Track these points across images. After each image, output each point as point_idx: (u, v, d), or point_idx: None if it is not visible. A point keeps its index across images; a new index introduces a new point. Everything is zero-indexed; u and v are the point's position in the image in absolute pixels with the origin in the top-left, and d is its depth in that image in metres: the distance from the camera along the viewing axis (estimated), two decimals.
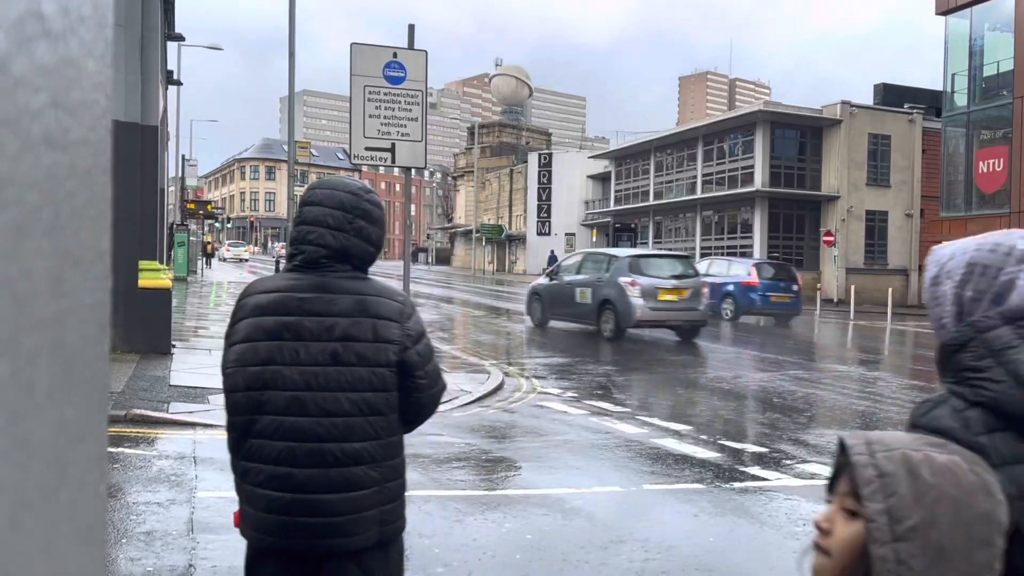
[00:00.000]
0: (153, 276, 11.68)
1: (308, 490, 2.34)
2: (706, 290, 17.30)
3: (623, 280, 16.13)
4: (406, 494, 2.54)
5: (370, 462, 2.39)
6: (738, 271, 22.91)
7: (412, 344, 2.45)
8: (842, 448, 1.22)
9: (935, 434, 1.29)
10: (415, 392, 2.47)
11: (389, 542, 2.47)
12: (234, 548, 5.03)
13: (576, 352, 14.98)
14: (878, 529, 1.09)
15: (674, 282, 16.42)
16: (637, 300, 15.89)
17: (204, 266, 38.91)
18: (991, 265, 1.38)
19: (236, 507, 2.48)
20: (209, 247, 50.08)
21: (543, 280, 19.42)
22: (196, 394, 8.86)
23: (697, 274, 17.57)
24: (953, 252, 1.48)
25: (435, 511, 5.72)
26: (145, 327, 11.22)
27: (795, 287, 22.67)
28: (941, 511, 1.08)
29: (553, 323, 18.54)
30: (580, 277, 17.57)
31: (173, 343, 11.90)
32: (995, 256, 1.39)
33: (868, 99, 40.05)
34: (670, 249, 42.81)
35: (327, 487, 2.35)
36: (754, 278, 22.25)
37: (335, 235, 2.40)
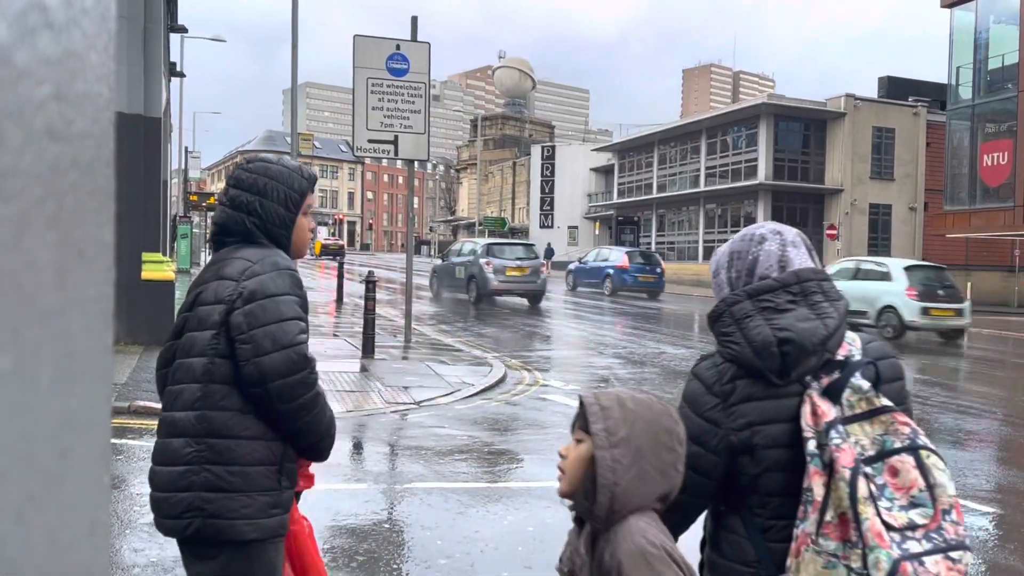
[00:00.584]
0: (156, 268, 11.69)
1: (153, 461, 2.27)
2: (545, 269, 23.59)
3: (482, 261, 21.52)
4: (258, 495, 2.16)
5: (191, 436, 2.17)
6: (615, 257, 28.77)
7: (242, 304, 2.16)
8: (580, 402, 1.71)
9: (700, 380, 1.82)
10: (241, 362, 2.15)
11: (218, 543, 2.11)
12: None
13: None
14: (600, 439, 1.63)
15: (518, 262, 21.66)
16: (491, 275, 21.28)
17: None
18: (743, 251, 1.86)
19: None
20: None
21: (437, 261, 25.91)
22: None
23: (536, 257, 22.72)
24: (723, 248, 1.95)
25: (437, 503, 5.74)
26: (148, 319, 11.24)
27: (659, 270, 28.61)
28: (640, 427, 1.64)
29: (445, 294, 23.43)
30: (458, 259, 22.89)
31: None
32: (745, 243, 1.88)
33: (873, 92, 39.96)
34: (672, 243, 42.75)
35: (155, 457, 2.25)
36: (625, 263, 27.87)
37: (219, 210, 2.37)
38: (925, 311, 15.80)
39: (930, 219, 35.44)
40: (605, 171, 54.67)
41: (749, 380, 1.75)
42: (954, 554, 1.59)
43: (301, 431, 2.25)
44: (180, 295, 16.51)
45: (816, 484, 1.63)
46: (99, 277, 0.49)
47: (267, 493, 2.17)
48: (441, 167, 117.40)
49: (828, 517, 1.62)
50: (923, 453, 1.66)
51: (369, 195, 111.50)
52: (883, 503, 1.60)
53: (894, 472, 1.63)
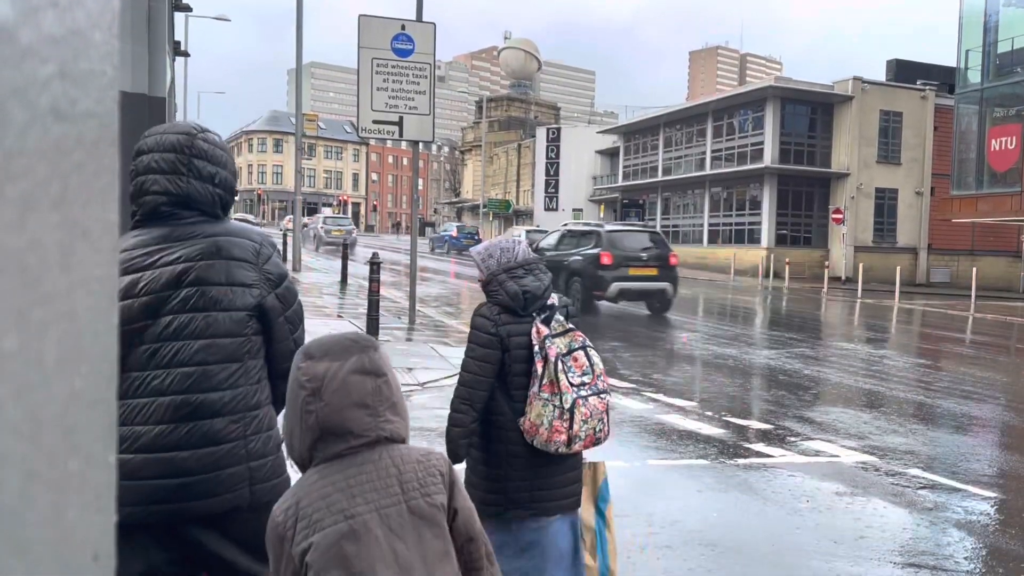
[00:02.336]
0: None
1: (159, 448, 2.14)
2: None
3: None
4: (280, 454, 2.28)
5: (230, 414, 2.22)
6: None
7: (272, 288, 2.34)
8: None
9: (483, 317, 3.16)
10: (281, 340, 2.35)
11: (266, 505, 2.03)
12: None
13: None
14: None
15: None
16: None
17: None
18: (509, 248, 3.24)
19: None
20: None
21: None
22: None
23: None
24: (490, 243, 3.29)
25: None
26: None
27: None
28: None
29: None
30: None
31: None
32: (509, 243, 3.27)
33: (883, 76, 39.67)
34: (677, 227, 42.62)
35: (183, 443, 2.16)
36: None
37: (171, 179, 2.23)
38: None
39: (936, 204, 35.27)
40: (610, 154, 54.46)
41: (507, 314, 3.18)
42: (603, 396, 3.15)
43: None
44: None
45: (538, 367, 3.09)
46: (104, 257, 0.49)
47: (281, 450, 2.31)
48: (446, 148, 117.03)
49: (544, 382, 3.06)
50: (588, 350, 3.20)
51: (373, 176, 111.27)
52: (569, 374, 3.09)
53: (575, 360, 3.13)
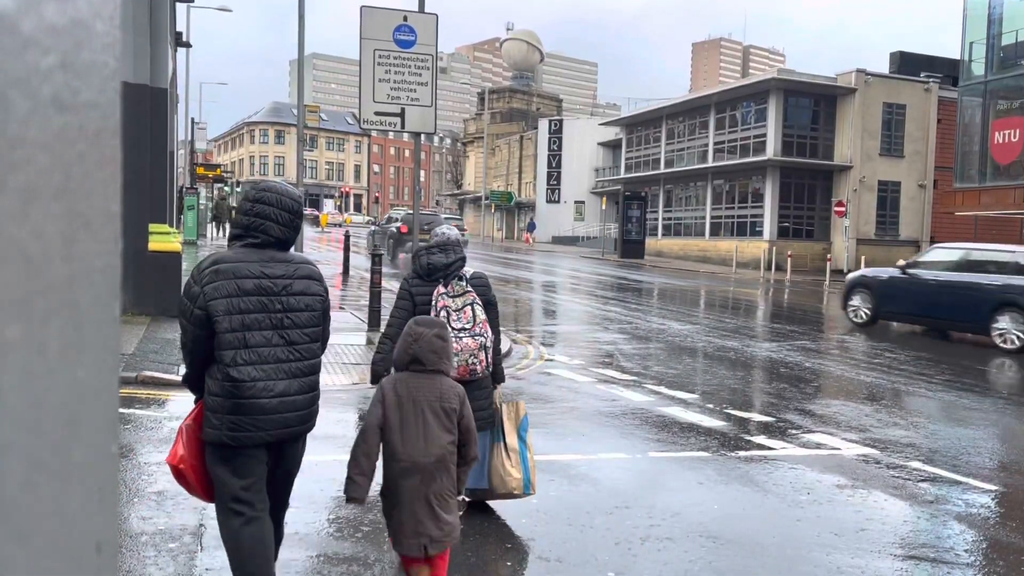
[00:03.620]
0: (163, 239, 11.71)
1: (288, 393, 3.45)
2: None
3: None
4: None
5: (312, 374, 3.57)
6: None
7: (326, 295, 3.70)
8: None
9: (403, 280, 4.82)
10: (326, 328, 3.72)
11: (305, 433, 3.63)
12: None
13: None
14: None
15: None
16: None
17: (217, 232, 37.32)
18: (437, 234, 4.86)
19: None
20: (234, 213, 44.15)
21: None
22: None
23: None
24: (448, 230, 4.87)
25: None
26: (155, 290, 11.28)
27: None
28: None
29: None
30: None
31: None
32: (442, 231, 4.88)
33: (886, 68, 39.53)
34: (679, 219, 42.55)
35: (298, 390, 3.49)
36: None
37: (282, 229, 3.52)
38: None
39: (939, 197, 35.18)
40: (613, 146, 54.35)
41: (419, 279, 4.67)
42: (476, 338, 4.55)
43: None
44: (187, 266, 16.54)
45: (440, 315, 4.47)
46: (106, 248, 0.49)
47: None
48: (448, 140, 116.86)
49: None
50: (475, 307, 4.62)
51: (375, 168, 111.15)
52: (453, 320, 4.53)
53: (464, 313, 4.59)
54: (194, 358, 3.43)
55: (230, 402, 3.35)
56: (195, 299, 3.35)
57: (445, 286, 4.67)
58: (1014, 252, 14.17)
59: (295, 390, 3.45)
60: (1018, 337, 13.16)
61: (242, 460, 3.39)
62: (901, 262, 16.27)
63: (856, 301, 16.21)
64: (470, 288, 4.73)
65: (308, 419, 3.54)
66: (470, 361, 4.59)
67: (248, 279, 3.39)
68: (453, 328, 4.52)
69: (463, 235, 41.60)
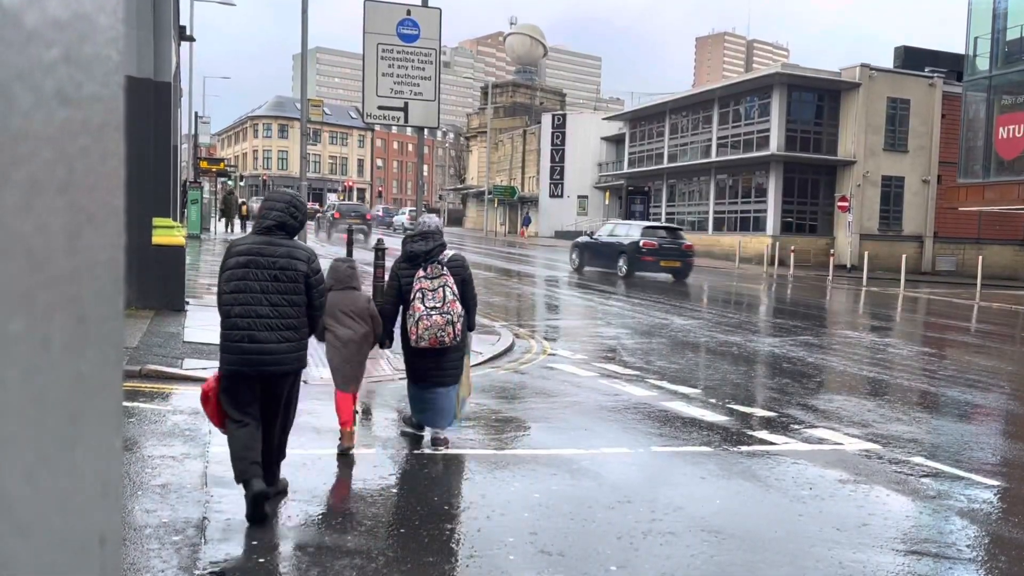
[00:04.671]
0: (167, 233, 11.71)
1: (268, 341, 4.62)
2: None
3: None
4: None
5: (291, 329, 4.67)
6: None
7: (313, 275, 4.74)
8: None
9: (396, 262, 6.07)
10: (315, 297, 4.80)
11: (299, 371, 4.84)
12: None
13: None
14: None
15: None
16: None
17: (225, 228, 37.00)
18: (415, 224, 6.14)
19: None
20: (244, 208, 39.90)
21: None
22: (210, 350, 8.91)
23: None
24: (432, 219, 6.13)
25: (445, 469, 5.79)
26: (159, 284, 11.29)
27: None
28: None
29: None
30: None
31: (187, 300, 11.97)
32: (419, 222, 6.08)
33: (891, 63, 39.40)
34: (682, 214, 42.48)
35: (276, 340, 4.62)
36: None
37: (277, 214, 4.77)
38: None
39: (943, 192, 35.10)
40: (616, 140, 54.24)
41: (406, 263, 5.88)
42: (444, 315, 5.75)
43: (317, 319, 4.93)
44: (191, 260, 16.56)
45: (416, 299, 5.75)
46: (110, 242, 0.49)
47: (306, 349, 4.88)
48: (451, 135, 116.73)
49: (411, 305, 5.80)
50: (447, 288, 5.78)
51: (379, 162, 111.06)
52: (425, 301, 5.76)
53: (437, 293, 5.75)
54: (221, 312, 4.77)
55: (225, 344, 4.63)
56: (221, 270, 4.72)
57: (424, 270, 5.81)
58: (630, 225, 26.28)
59: (273, 340, 4.59)
60: (622, 270, 23.96)
61: (233, 386, 4.62)
62: (590, 232, 30.85)
63: (574, 255, 26.63)
64: (446, 272, 5.84)
65: (282, 363, 4.63)
66: (439, 335, 5.77)
67: (244, 256, 4.65)
68: (426, 307, 5.74)
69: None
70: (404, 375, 6.53)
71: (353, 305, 5.78)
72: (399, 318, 5.93)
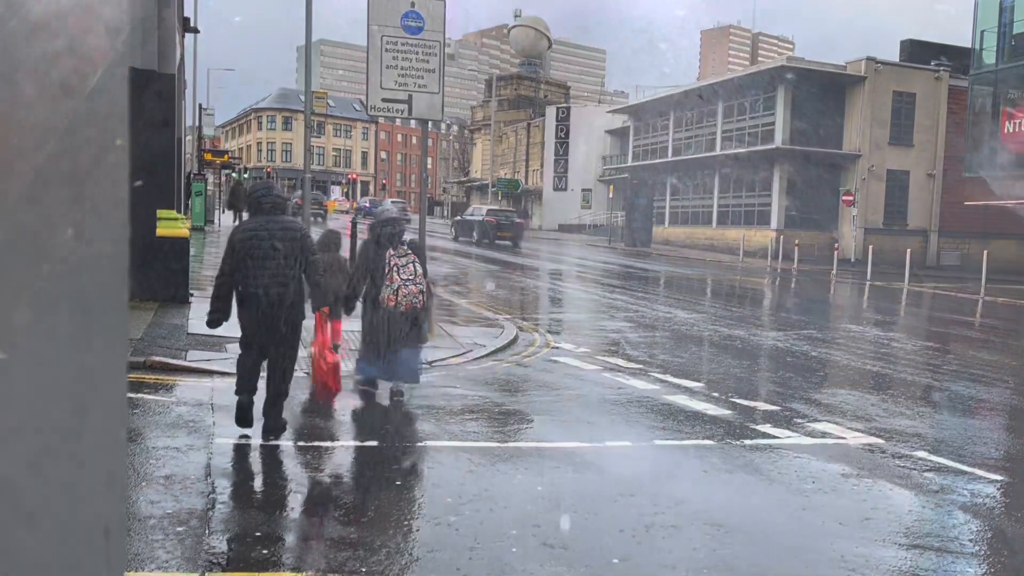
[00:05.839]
0: (171, 225, 11.73)
1: (268, 290, 5.76)
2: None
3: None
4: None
5: (287, 283, 5.78)
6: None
7: (302, 239, 5.91)
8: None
9: (365, 246, 7.20)
10: (308, 261, 5.89)
11: (297, 314, 5.91)
12: (250, 493, 5.12)
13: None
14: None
15: None
16: None
17: (233, 220, 37.04)
18: (384, 211, 7.45)
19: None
20: None
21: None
22: (214, 342, 8.93)
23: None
24: (379, 209, 8.06)
25: (448, 462, 5.80)
26: (163, 276, 11.31)
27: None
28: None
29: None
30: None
31: (191, 292, 11.99)
32: (388, 210, 7.43)
33: (897, 56, 39.23)
34: (686, 207, 42.43)
35: (274, 290, 5.76)
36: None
37: (274, 199, 6.02)
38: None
39: (948, 186, 34.98)
40: (620, 133, 54.11)
41: (375, 245, 6.98)
42: (417, 284, 6.93)
43: (318, 284, 5.97)
44: (195, 252, 16.58)
45: (393, 272, 6.84)
46: (114, 233, 0.49)
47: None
48: (455, 127, 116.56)
49: (388, 277, 6.84)
50: (416, 264, 6.98)
51: (383, 155, 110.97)
52: (401, 273, 6.86)
53: (407, 268, 6.91)
54: (232, 276, 5.81)
55: (239, 295, 5.82)
56: (230, 247, 5.86)
57: (394, 249, 6.93)
58: (481, 208, 37.46)
59: (272, 291, 5.78)
60: (475, 237, 34.71)
61: (245, 324, 5.85)
62: (462, 214, 39.95)
63: (454, 230, 37.60)
64: (410, 251, 7.02)
65: (278, 305, 5.77)
66: (413, 300, 6.90)
67: (248, 231, 5.90)
68: (401, 278, 6.85)
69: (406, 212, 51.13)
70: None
71: (336, 262, 8.42)
72: (377, 292, 7.03)
